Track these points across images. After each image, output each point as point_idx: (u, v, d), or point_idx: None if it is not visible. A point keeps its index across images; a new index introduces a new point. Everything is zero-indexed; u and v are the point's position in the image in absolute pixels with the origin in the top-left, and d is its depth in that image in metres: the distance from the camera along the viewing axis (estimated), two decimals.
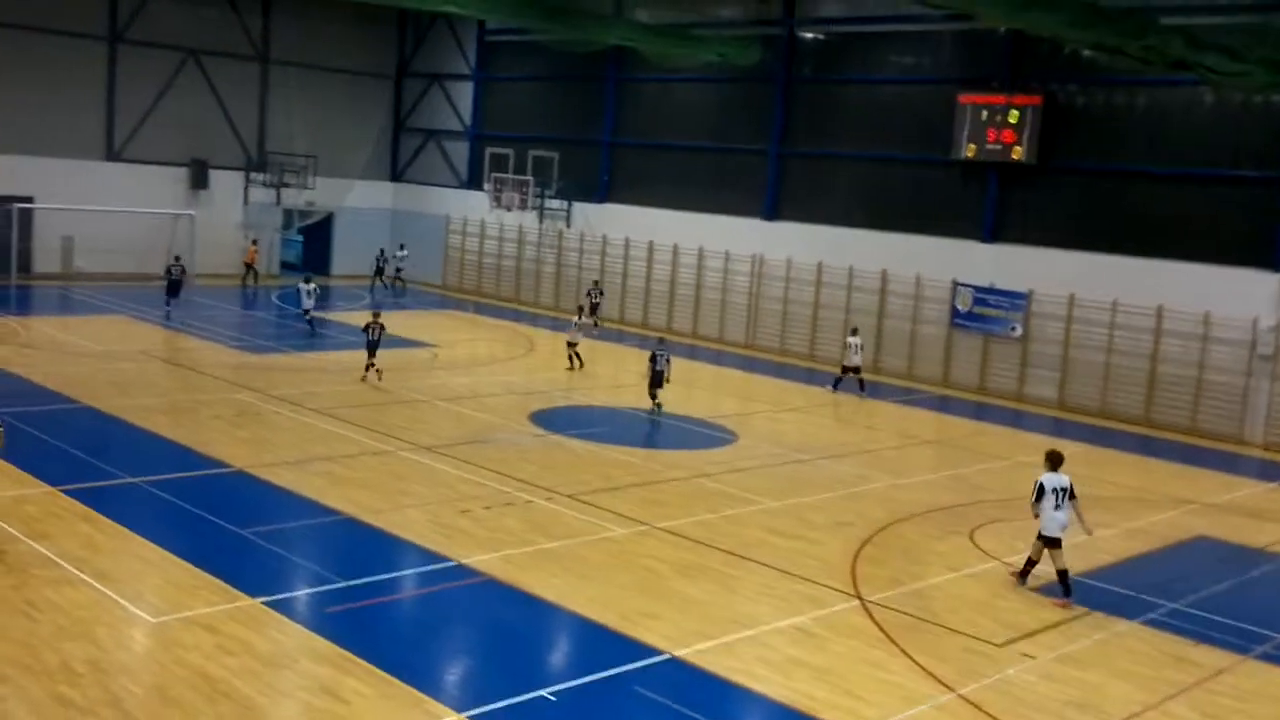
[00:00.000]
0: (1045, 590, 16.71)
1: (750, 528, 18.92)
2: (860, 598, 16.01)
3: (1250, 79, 26.25)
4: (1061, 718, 12.78)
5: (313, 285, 35.95)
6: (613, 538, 17.86)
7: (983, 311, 34.73)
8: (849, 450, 25.68)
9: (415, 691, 12.04)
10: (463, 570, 15.88)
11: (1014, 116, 33.70)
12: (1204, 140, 31.41)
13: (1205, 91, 30.72)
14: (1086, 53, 31.86)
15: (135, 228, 43.83)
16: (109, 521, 16.58)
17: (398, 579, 15.84)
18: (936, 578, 17.20)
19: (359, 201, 51.69)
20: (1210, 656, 14.89)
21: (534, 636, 14.20)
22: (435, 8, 37.30)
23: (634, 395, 28.52)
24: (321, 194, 49.59)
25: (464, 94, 50.69)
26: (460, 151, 50.82)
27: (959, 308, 35.20)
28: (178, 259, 39.27)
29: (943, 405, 32.89)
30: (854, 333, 33.09)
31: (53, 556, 15.00)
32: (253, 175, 47.89)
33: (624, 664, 13.21)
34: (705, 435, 26.05)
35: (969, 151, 34.68)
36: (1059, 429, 30.17)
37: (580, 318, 34.15)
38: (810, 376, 35.03)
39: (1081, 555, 18.56)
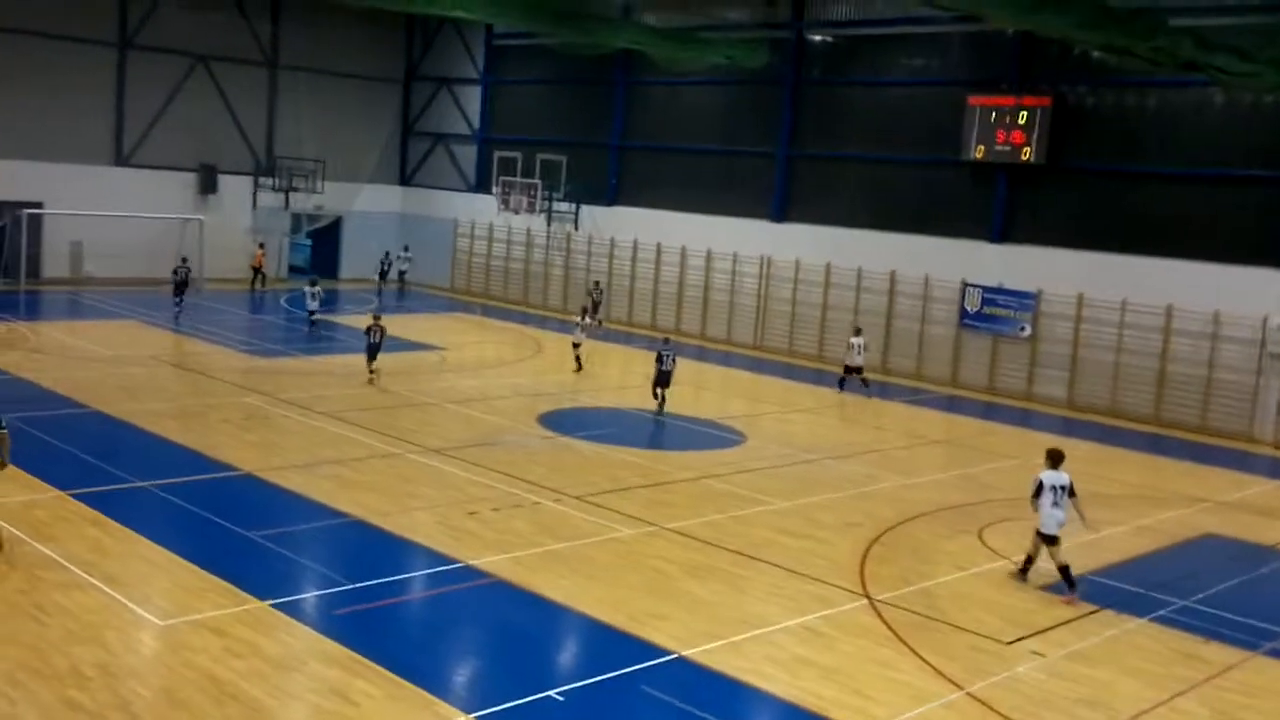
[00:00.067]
0: (1053, 588, 16.68)
1: (758, 528, 18.91)
2: (869, 597, 15.99)
3: (1260, 79, 26.18)
4: (1071, 715, 12.75)
5: (318, 288, 36.09)
6: (621, 539, 17.85)
7: (992, 311, 34.68)
8: (857, 450, 25.65)
9: (424, 693, 12.05)
10: (471, 572, 15.89)
11: (1023, 118, 33.67)
12: (1213, 140, 31.34)
13: (1215, 92, 30.66)
14: (1096, 54, 31.76)
15: (144, 233, 43.94)
16: (117, 525, 16.61)
17: (406, 581, 15.85)
18: (945, 576, 17.18)
19: (367, 205, 51.78)
20: (1220, 653, 14.85)
21: (542, 637, 14.20)
22: (443, 12, 37.33)
23: (641, 397, 28.50)
24: (330, 198, 49.68)
25: (472, 98, 50.76)
26: (468, 155, 50.89)
27: (968, 308, 35.15)
28: (184, 260, 39.53)
29: (951, 405, 32.84)
30: (857, 333, 33.11)
31: (61, 560, 15.03)
32: (261, 180, 47.99)
33: (632, 664, 13.20)
34: (713, 436, 26.04)
35: (978, 153, 34.66)
36: (1068, 428, 30.12)
37: (584, 319, 34.19)
38: (819, 377, 34.99)
39: (1091, 553, 18.56)
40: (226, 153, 47.06)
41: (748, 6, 41.84)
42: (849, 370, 32.52)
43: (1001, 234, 34.90)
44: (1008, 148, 34.02)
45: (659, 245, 42.98)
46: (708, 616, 14.81)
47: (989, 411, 32.17)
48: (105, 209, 42.62)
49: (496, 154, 46.55)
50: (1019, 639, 14.82)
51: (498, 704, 11.93)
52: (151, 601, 13.99)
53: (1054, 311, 33.55)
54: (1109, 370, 32.49)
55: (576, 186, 45.33)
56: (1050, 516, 16.50)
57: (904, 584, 16.67)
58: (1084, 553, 18.55)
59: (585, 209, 45.68)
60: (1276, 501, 24.19)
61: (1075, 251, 33.17)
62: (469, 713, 11.71)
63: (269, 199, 48.24)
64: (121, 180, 44.16)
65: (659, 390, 27.83)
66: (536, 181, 44.92)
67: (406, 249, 50.08)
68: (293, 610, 14.02)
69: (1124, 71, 31.32)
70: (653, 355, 28.63)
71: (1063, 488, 16.57)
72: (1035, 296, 33.78)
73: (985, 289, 34.76)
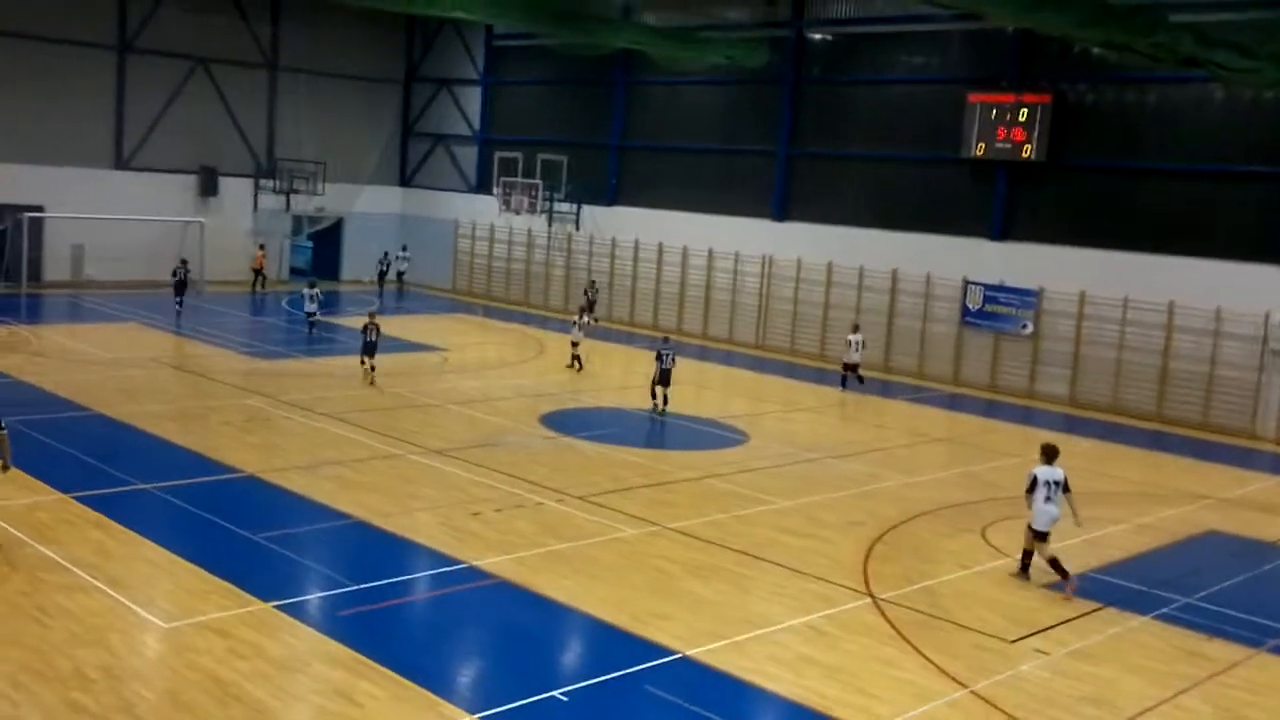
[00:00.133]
0: (1057, 586, 16.67)
1: (761, 527, 18.90)
2: (872, 596, 15.98)
3: (1260, 75, 26.17)
4: (1074, 713, 12.74)
5: (316, 290, 36.18)
6: (624, 539, 17.85)
7: (993, 309, 34.68)
8: (860, 449, 25.65)
9: (428, 693, 12.04)
10: (474, 572, 15.88)
11: (1024, 115, 33.67)
12: (1215, 136, 31.33)
13: (1215, 88, 30.66)
14: (1096, 51, 31.80)
15: (145, 235, 43.99)
16: (120, 527, 16.60)
17: (409, 582, 15.85)
18: (948, 575, 17.17)
19: (368, 207, 51.80)
20: (1223, 651, 14.83)
21: (546, 638, 14.20)
22: (443, 13, 37.36)
23: (644, 397, 28.48)
24: (331, 200, 49.70)
25: (472, 99, 50.77)
26: (469, 156, 50.91)
27: (969, 306, 35.14)
28: (184, 261, 39.65)
29: (954, 403, 32.85)
30: (855, 329, 33.15)
31: (64, 563, 15.03)
32: (262, 182, 48.03)
33: (636, 664, 13.20)
34: (716, 436, 26.04)
35: (979, 150, 34.67)
36: (1070, 426, 30.13)
37: (581, 318, 34.23)
38: (821, 376, 34.99)
39: (1094, 551, 18.60)
40: (227, 155, 47.08)
41: (747, 6, 41.83)
42: (848, 368, 32.59)
43: (1003, 232, 34.90)
44: (1008, 145, 34.02)
45: (660, 245, 42.98)
46: (711, 616, 14.80)
47: (991, 409, 32.16)
48: (106, 212, 42.69)
49: (497, 155, 46.56)
50: (1022, 637, 14.81)
51: (502, 704, 11.92)
52: (155, 604, 13.99)
53: (1055, 309, 33.56)
54: (1111, 367, 32.49)
55: (577, 187, 45.33)
56: (1043, 512, 16.55)
57: (907, 583, 16.66)
58: (1086, 550, 18.59)
59: (586, 209, 45.69)
60: (1279, 498, 24.17)
61: (1077, 249, 33.17)
62: (473, 713, 11.70)
63: (270, 201, 48.27)
64: (122, 183, 44.18)
65: (658, 389, 27.83)
66: (537, 182, 44.92)
67: (404, 248, 50.20)
68: (296, 612, 14.02)
69: (1124, 68, 31.35)
70: (654, 355, 28.62)
71: (1057, 483, 16.60)
72: (1037, 294, 33.78)
73: (987, 287, 34.76)
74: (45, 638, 12.78)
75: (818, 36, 39.74)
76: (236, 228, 47.41)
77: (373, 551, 16.77)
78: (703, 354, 38.11)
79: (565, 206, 45.83)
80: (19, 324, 34.96)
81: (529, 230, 47.40)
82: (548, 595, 15.17)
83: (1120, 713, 12.84)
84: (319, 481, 19.75)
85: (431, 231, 51.04)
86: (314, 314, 35.97)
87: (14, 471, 16.48)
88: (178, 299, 38.29)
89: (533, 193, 44.95)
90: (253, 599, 14.22)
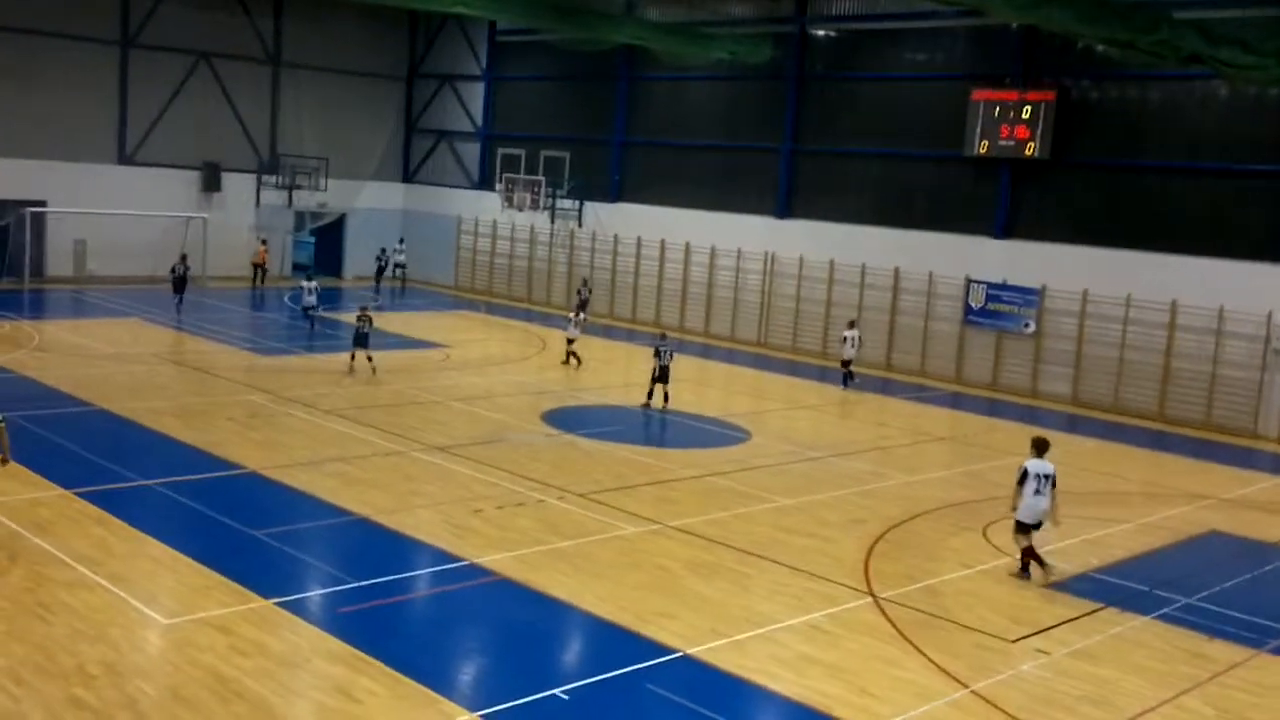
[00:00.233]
0: (1058, 586, 16.69)
1: (763, 526, 18.90)
2: (874, 595, 15.98)
3: (1265, 72, 26.09)
4: (1075, 713, 12.74)
5: (314, 284, 36.30)
6: (625, 536, 17.85)
7: (996, 308, 34.65)
8: (862, 447, 25.64)
9: (428, 691, 12.05)
10: (475, 570, 15.89)
11: (1027, 112, 33.63)
12: (1218, 134, 31.30)
13: (1219, 85, 30.62)
14: (1100, 48, 31.74)
15: (148, 231, 43.99)
16: (122, 524, 16.61)
17: (410, 579, 15.85)
18: (950, 574, 17.17)
19: (371, 203, 51.79)
20: (1224, 651, 14.82)
21: (547, 635, 14.19)
22: (446, 9, 37.33)
23: (645, 394, 28.45)
24: (334, 196, 49.71)
25: (475, 95, 50.75)
26: (472, 152, 50.89)
27: (972, 304, 35.11)
28: (183, 257, 39.61)
29: (956, 402, 32.84)
30: (850, 325, 33.17)
31: (66, 559, 15.04)
32: (265, 178, 48.03)
33: (637, 663, 13.20)
34: (718, 434, 26.03)
35: (982, 148, 34.62)
36: (1073, 425, 30.12)
37: (577, 315, 34.29)
38: (823, 374, 34.98)
39: (1095, 550, 18.61)
40: (230, 151, 47.08)
41: (751, 1, 41.82)
42: (845, 364, 32.67)
43: (1005, 230, 34.87)
44: (1011, 143, 33.99)
45: (663, 242, 42.96)
46: (712, 615, 14.80)
47: (993, 408, 32.13)
48: (109, 207, 42.67)
49: (500, 151, 46.56)
50: (1023, 637, 14.81)
51: (502, 702, 11.92)
52: (157, 600, 14.01)
53: (1058, 307, 33.53)
54: (1113, 366, 32.46)
55: (580, 183, 45.31)
56: (1031, 506, 16.63)
57: (909, 582, 16.66)
58: (1088, 550, 18.61)
59: (589, 205, 45.68)
60: None
61: (1080, 247, 33.13)
62: (473, 711, 11.71)
63: (272, 196, 48.26)
64: (125, 178, 44.19)
65: (656, 385, 27.80)
66: (540, 178, 44.91)
67: (401, 241, 50.28)
68: (297, 608, 14.03)
69: (1128, 65, 31.27)
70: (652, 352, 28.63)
71: (1047, 476, 16.66)
72: (1039, 292, 33.75)
73: (989, 285, 34.73)
74: (47, 633, 12.79)
75: (821, 33, 39.70)
76: (239, 223, 47.41)
77: (374, 548, 16.78)
78: (705, 352, 38.10)
79: (568, 203, 45.82)
80: (21, 319, 34.98)
81: (531, 227, 47.38)
82: (549, 593, 15.18)
83: (1121, 713, 12.83)
84: (321, 478, 19.75)
85: (434, 228, 51.04)
86: (313, 307, 36.03)
87: (16, 467, 16.52)
88: (177, 296, 38.20)
89: (535, 189, 44.92)
90: (254, 595, 14.23)
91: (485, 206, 48.81)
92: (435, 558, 16.38)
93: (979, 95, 34.59)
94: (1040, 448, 16.95)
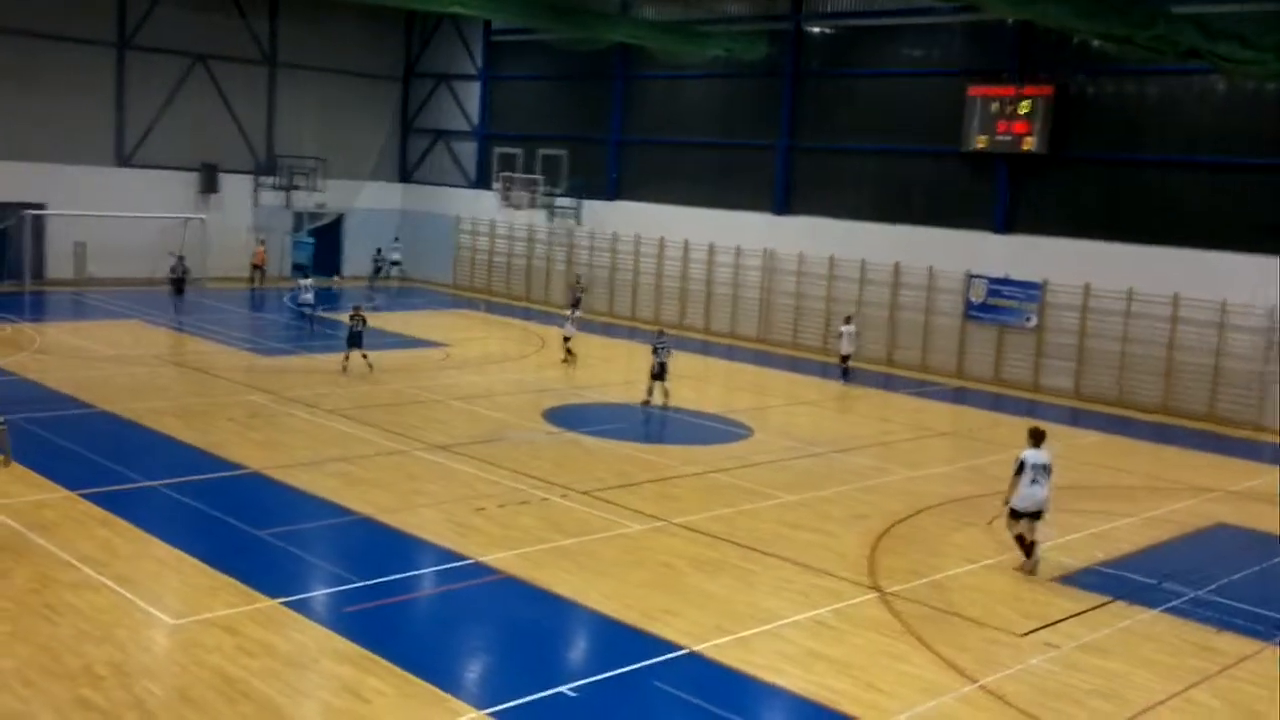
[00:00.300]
0: (1065, 580, 16.68)
1: (767, 522, 18.87)
2: (879, 590, 15.95)
3: (1262, 66, 26.05)
4: (1085, 707, 12.71)
5: (309, 281, 36.36)
6: (629, 534, 17.82)
7: (997, 303, 34.63)
8: (864, 443, 25.61)
9: (436, 689, 12.02)
10: (479, 568, 15.86)
11: (1025, 107, 33.60)
12: (1217, 127, 31.25)
13: (1217, 79, 30.57)
14: (1097, 42, 31.68)
15: (146, 232, 43.93)
16: (127, 525, 16.58)
17: (415, 578, 15.81)
18: (955, 569, 17.14)
19: (369, 203, 51.77)
20: (1233, 644, 14.79)
21: (552, 633, 14.17)
22: (442, 8, 37.33)
23: (644, 392, 28.43)
24: (331, 196, 49.66)
25: (471, 94, 50.71)
26: (469, 151, 50.85)
27: (973, 299, 35.10)
28: (181, 258, 39.60)
29: (958, 397, 32.83)
30: (847, 321, 33.19)
31: (72, 560, 15.01)
32: (262, 178, 47.98)
33: (643, 659, 13.17)
34: (720, 430, 26.00)
35: (980, 143, 34.60)
36: (1075, 419, 30.11)
37: (573, 312, 34.29)
38: (824, 370, 34.95)
39: (1102, 544, 18.59)
40: (227, 152, 47.04)
41: None
42: (841, 359, 32.71)
43: (1005, 224, 34.84)
44: (1009, 138, 33.96)
45: (661, 239, 42.93)
46: (717, 611, 14.77)
47: (995, 403, 32.13)
48: (107, 209, 42.62)
49: (497, 150, 46.52)
50: (1032, 631, 14.78)
51: (510, 700, 11.89)
52: (163, 601, 13.98)
53: (1060, 302, 33.50)
54: (1116, 360, 32.44)
55: (577, 181, 45.28)
56: (1028, 495, 16.62)
57: (914, 577, 16.63)
58: (1095, 544, 18.60)
59: (586, 204, 45.64)
60: None
61: (1080, 241, 33.10)
62: (481, 709, 11.68)
63: (270, 197, 48.21)
64: (123, 180, 44.15)
65: (654, 382, 27.78)
66: (537, 177, 44.90)
67: (396, 239, 50.31)
68: (303, 608, 14.00)
69: (1125, 60, 31.17)
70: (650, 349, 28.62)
71: (1044, 467, 16.66)
72: (1040, 287, 33.73)
73: (990, 280, 34.71)
74: (54, 635, 12.76)
75: (817, 29, 39.67)
76: (237, 224, 47.36)
77: (378, 548, 16.75)
78: (705, 349, 38.07)
79: (565, 201, 45.77)
80: (23, 321, 34.93)
81: (529, 225, 47.35)
82: (553, 591, 15.15)
83: (1131, 706, 12.81)
84: (323, 478, 19.72)
85: (432, 227, 51.01)
86: (310, 303, 36.06)
87: (20, 469, 16.50)
88: (177, 297, 38.10)
89: (533, 187, 44.91)
90: (260, 595, 14.20)
91: (483, 205, 48.78)
92: (439, 556, 16.35)
93: (976, 91, 34.55)
94: (1036, 438, 16.99)
